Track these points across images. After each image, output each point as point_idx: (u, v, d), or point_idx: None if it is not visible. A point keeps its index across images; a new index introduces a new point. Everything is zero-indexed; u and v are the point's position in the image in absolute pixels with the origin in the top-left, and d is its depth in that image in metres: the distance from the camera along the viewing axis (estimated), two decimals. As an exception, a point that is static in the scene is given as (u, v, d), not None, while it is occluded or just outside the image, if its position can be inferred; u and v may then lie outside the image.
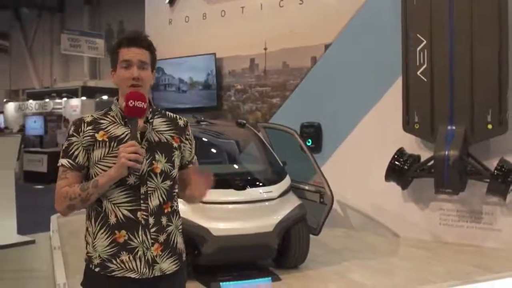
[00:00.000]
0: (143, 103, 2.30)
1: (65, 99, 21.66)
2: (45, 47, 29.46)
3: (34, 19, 29.54)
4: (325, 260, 6.26)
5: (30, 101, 23.85)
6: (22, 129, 20.67)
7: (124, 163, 2.21)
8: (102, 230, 2.34)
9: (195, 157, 2.60)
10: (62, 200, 2.32)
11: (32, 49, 30.27)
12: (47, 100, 22.56)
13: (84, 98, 21.23)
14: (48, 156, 15.93)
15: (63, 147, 2.40)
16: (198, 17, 10.33)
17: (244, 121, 7.02)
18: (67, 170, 2.35)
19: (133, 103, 2.28)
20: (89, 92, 22.10)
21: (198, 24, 10.31)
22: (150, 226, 2.33)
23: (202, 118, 7.04)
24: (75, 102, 21.25)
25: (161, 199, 2.36)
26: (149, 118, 2.41)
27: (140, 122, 2.37)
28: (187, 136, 2.52)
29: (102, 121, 2.40)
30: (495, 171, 6.48)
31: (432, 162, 6.80)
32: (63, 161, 2.36)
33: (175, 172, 2.43)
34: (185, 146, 2.51)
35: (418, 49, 6.96)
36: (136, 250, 2.32)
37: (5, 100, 26.89)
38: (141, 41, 2.40)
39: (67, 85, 25.30)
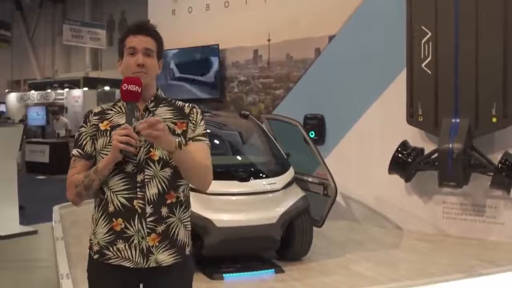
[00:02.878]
0: (137, 86, 2.29)
1: (67, 89, 21.65)
2: (47, 38, 29.39)
3: (36, 9, 29.43)
4: (328, 252, 6.27)
5: (32, 91, 23.84)
6: (24, 119, 20.66)
7: (115, 145, 2.21)
8: (102, 217, 2.36)
9: (203, 138, 2.43)
10: (70, 188, 2.36)
11: (33, 39, 30.19)
12: (49, 90, 22.55)
13: (86, 88, 21.20)
14: (50, 147, 15.90)
15: (75, 138, 2.46)
16: (201, 8, 10.30)
17: (248, 113, 7.01)
18: (76, 160, 2.40)
19: (126, 86, 2.29)
20: (91, 82, 22.09)
21: (201, 15, 10.28)
22: (147, 215, 2.31)
23: (206, 109, 7.03)
24: (77, 92, 21.24)
25: (160, 188, 2.33)
26: (149, 106, 2.40)
27: (141, 110, 2.38)
28: (191, 118, 2.43)
29: (109, 111, 2.43)
30: (499, 165, 6.47)
31: (435, 155, 6.78)
32: (73, 151, 2.42)
33: None
34: (190, 128, 2.41)
35: (423, 41, 6.93)
36: (132, 238, 2.31)
37: (6, 90, 26.87)
38: (147, 29, 2.41)
39: (69, 75, 25.32)
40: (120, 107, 2.43)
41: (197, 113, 2.47)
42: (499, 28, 6.45)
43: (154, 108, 2.41)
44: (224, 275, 5.33)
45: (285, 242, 5.70)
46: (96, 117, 2.41)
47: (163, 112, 2.42)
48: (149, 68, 2.37)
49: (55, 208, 8.35)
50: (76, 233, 7.03)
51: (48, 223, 7.83)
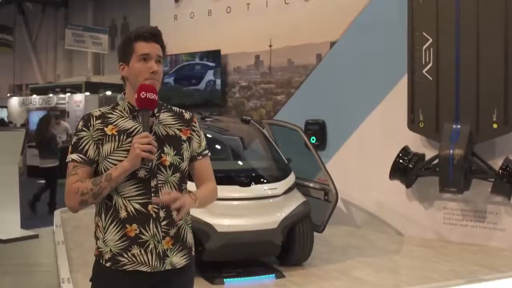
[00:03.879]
0: (154, 94, 2.31)
1: (68, 94, 21.67)
2: (49, 42, 29.44)
3: (38, 14, 29.51)
4: (329, 257, 6.27)
5: (34, 96, 23.85)
6: (25, 123, 20.67)
7: (139, 154, 2.21)
8: (113, 225, 2.33)
9: (207, 151, 2.58)
10: (73, 196, 2.30)
11: (36, 44, 30.25)
12: (50, 95, 22.57)
13: (87, 93, 21.22)
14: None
15: (72, 143, 2.38)
16: (203, 13, 10.32)
17: (249, 118, 7.02)
18: (77, 166, 2.33)
19: (145, 94, 2.29)
20: (93, 87, 22.07)
21: (203, 20, 10.30)
22: (161, 219, 2.33)
23: (207, 114, 7.04)
24: (79, 97, 21.25)
25: None
26: (155, 112, 2.40)
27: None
28: (193, 128, 2.51)
29: (110, 115, 2.39)
30: (500, 171, 6.47)
31: (436, 160, 6.78)
32: (73, 156, 2.34)
33: (184, 165, 2.42)
34: (193, 138, 2.50)
35: (424, 47, 6.95)
36: (148, 243, 2.32)
37: (8, 94, 26.90)
38: (159, 37, 2.43)
39: (71, 80, 25.29)
40: (121, 111, 2.41)
41: (197, 122, 2.55)
42: (500, 34, 6.46)
43: (157, 114, 2.42)
44: (224, 280, 5.33)
45: (286, 247, 5.70)
46: (99, 121, 2.36)
47: (166, 117, 2.45)
48: (160, 75, 2.40)
49: (56, 213, 8.36)
50: (77, 238, 7.04)
51: (49, 227, 7.85)
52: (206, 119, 6.86)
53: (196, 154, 2.51)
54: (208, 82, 10.19)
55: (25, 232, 7.44)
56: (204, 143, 2.56)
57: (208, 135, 6.60)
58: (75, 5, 28.10)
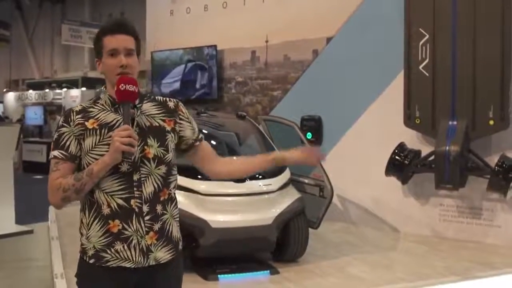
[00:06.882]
0: (134, 86, 2.26)
1: (65, 89, 21.65)
2: (46, 38, 29.37)
3: (35, 9, 29.42)
4: (324, 254, 6.26)
5: (30, 91, 23.84)
6: (21, 118, 20.66)
7: (119, 147, 2.16)
8: (96, 221, 2.30)
9: (201, 134, 2.52)
10: (55, 192, 2.27)
11: (32, 39, 30.18)
12: (47, 90, 22.55)
13: (84, 88, 21.20)
14: (47, 146, 15.90)
15: (54, 139, 2.34)
16: (199, 9, 10.28)
17: (244, 113, 7.00)
18: (59, 162, 2.29)
19: (124, 86, 2.24)
20: (89, 82, 22.08)
21: (199, 15, 10.26)
22: (144, 214, 2.29)
23: (203, 110, 7.01)
24: (75, 92, 21.25)
25: (155, 186, 2.31)
26: (136, 103, 2.35)
27: None
28: (181, 116, 2.44)
29: (91, 109, 2.34)
30: (496, 167, 6.46)
31: (432, 157, 6.77)
32: (54, 153, 2.30)
33: (169, 156, 2.36)
34: (182, 126, 2.44)
35: (421, 43, 6.92)
36: (131, 239, 2.28)
37: (5, 90, 26.84)
38: (126, 28, 2.35)
39: (68, 75, 25.28)
40: (103, 105, 2.36)
41: (184, 108, 2.49)
42: (497, 30, 6.44)
43: (139, 105, 2.36)
44: (218, 276, 5.31)
45: (281, 244, 5.69)
46: (79, 116, 2.31)
47: (149, 108, 2.39)
48: (132, 67, 2.33)
49: (51, 208, 8.31)
50: (71, 233, 6.98)
51: (44, 222, 7.82)
52: (202, 114, 6.83)
53: (193, 140, 2.46)
54: (202, 86, 10.18)
55: (19, 228, 7.42)
56: (196, 127, 2.50)
57: (204, 131, 6.58)
58: (72, 0, 28.02)
